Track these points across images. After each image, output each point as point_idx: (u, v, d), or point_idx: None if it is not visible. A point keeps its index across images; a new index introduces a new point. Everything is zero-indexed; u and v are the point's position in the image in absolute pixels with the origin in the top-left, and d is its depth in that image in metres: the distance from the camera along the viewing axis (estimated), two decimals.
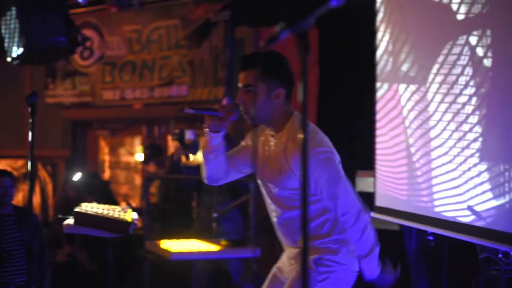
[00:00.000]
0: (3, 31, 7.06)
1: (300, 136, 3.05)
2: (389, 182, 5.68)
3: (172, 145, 8.45)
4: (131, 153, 10.76)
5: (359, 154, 6.86)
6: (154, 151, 8.28)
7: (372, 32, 5.91)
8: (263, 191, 3.73)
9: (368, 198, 6.01)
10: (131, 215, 4.60)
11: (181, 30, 9.57)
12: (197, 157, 8.03)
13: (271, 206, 3.70)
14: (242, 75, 3.56)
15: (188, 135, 7.54)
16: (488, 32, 4.19)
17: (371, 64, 5.95)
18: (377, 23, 5.87)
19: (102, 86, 10.32)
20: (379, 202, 5.80)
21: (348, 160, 6.79)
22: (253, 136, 3.82)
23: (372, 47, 5.93)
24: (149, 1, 9.81)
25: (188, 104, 9.49)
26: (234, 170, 3.81)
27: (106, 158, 10.91)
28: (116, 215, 4.48)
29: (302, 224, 2.02)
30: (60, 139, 10.78)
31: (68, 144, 10.76)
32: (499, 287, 4.77)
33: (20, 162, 10.60)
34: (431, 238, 6.12)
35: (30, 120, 3.94)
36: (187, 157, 7.72)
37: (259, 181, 3.75)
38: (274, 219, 3.71)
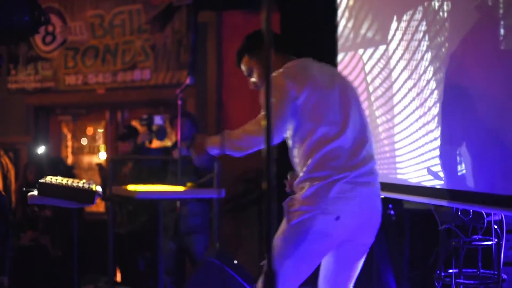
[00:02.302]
0: None
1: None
2: None
3: (140, 130, 8.46)
4: (94, 139, 10.74)
5: None
6: (131, 130, 8.24)
7: (334, 9, 5.98)
8: None
9: None
10: (96, 187, 4.61)
11: (144, 15, 9.58)
12: (163, 142, 8.06)
13: None
14: (242, 68, 4.05)
15: (157, 120, 7.56)
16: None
17: (333, 45, 6.01)
18: (338, 1, 5.94)
19: (64, 71, 10.29)
20: None
21: None
22: None
23: (333, 25, 6.00)
24: None
25: (150, 88, 9.54)
26: None
27: (69, 143, 10.88)
28: (80, 185, 4.49)
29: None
30: (23, 125, 10.70)
31: (30, 130, 10.70)
32: (459, 258, 4.87)
33: None
34: (392, 212, 6.23)
35: None
36: (150, 142, 7.73)
37: None
38: None
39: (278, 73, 3.70)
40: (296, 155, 3.73)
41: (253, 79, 4.01)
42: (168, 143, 7.99)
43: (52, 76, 10.41)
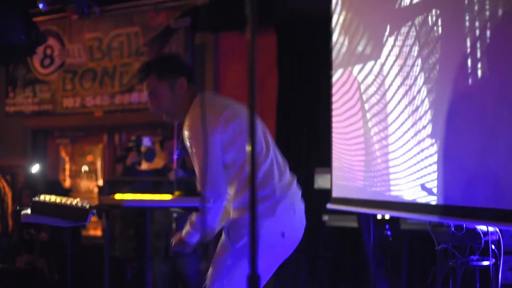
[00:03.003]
0: None
1: (187, 122, 3.61)
2: (346, 172, 5.74)
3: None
4: (93, 163, 10.72)
5: (318, 152, 6.95)
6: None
7: (329, 31, 5.99)
8: None
9: (326, 195, 6.08)
10: (89, 205, 4.57)
11: (142, 37, 9.60)
12: (153, 164, 8.01)
13: None
14: (144, 85, 3.88)
15: (145, 142, 7.53)
16: (438, 13, 4.30)
17: (329, 64, 6.02)
18: (333, 24, 5.95)
19: (62, 94, 10.29)
20: (335, 193, 5.85)
21: (307, 158, 6.93)
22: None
23: (329, 45, 6.00)
24: (110, 9, 9.82)
25: (147, 110, 9.51)
26: None
27: (67, 166, 10.86)
28: (74, 204, 4.45)
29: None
30: (20, 148, 10.69)
31: (28, 153, 10.68)
32: (456, 279, 4.83)
33: None
34: (389, 233, 6.19)
35: None
36: (140, 164, 7.68)
37: None
38: None
39: (195, 122, 3.65)
40: (236, 182, 3.69)
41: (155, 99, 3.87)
42: (159, 164, 7.95)
43: (50, 98, 10.41)
